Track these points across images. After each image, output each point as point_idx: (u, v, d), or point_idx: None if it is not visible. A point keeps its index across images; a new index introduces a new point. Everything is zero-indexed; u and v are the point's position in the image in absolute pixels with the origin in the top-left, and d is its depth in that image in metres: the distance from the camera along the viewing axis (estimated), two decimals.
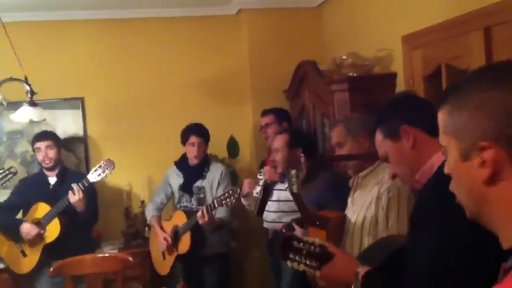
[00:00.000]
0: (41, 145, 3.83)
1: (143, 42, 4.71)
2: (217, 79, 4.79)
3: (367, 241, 2.29)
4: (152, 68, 4.72)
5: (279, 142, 3.31)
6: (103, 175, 3.66)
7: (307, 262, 1.63)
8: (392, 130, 1.68)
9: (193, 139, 3.90)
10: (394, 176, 1.76)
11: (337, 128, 2.61)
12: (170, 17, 4.71)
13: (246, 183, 3.68)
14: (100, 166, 3.67)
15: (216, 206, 3.58)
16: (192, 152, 3.93)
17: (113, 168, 3.68)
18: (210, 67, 4.79)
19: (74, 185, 3.59)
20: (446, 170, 1.01)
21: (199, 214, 3.61)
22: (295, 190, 2.52)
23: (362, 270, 1.58)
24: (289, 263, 1.68)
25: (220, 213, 3.78)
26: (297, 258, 1.63)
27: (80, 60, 4.58)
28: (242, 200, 3.72)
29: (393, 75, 3.47)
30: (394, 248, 1.74)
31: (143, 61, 4.70)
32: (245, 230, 4.67)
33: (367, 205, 2.33)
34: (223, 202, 3.56)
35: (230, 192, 3.56)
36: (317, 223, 2.50)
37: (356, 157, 2.49)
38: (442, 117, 0.98)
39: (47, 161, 3.83)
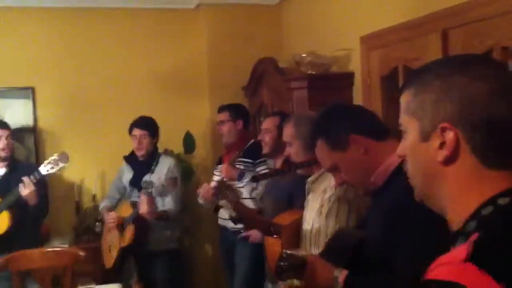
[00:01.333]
0: (1, 133, 3.66)
1: (99, 32, 4.60)
2: (174, 73, 4.74)
3: (314, 250, 2.30)
4: (107, 59, 4.61)
5: (269, 123, 3.23)
6: (56, 168, 3.54)
7: (293, 274, 1.64)
8: (338, 141, 1.69)
9: (135, 131, 3.84)
10: (342, 183, 1.79)
11: (287, 126, 2.57)
12: (128, 7, 4.63)
13: (203, 188, 3.61)
14: (54, 159, 3.55)
15: (153, 195, 3.55)
16: (134, 145, 3.87)
17: (67, 162, 3.57)
18: (168, 60, 4.72)
19: (25, 178, 3.47)
20: (399, 151, 1.04)
21: (139, 203, 3.56)
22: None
23: (339, 273, 1.60)
24: (286, 283, 1.68)
25: (167, 205, 3.73)
26: (287, 274, 1.65)
27: (32, 48, 4.44)
28: (198, 198, 3.68)
29: (351, 75, 3.53)
30: (352, 242, 1.78)
31: (98, 51, 4.59)
32: (197, 227, 4.63)
33: (315, 212, 2.35)
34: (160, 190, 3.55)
35: (57, 157, 3.52)
36: (272, 230, 2.55)
37: (311, 163, 2.47)
38: (405, 98, 1.00)
39: (7, 151, 3.67)
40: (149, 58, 4.70)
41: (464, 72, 0.93)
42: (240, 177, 3.45)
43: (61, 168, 3.58)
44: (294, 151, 2.51)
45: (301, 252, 1.73)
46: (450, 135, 0.91)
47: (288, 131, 2.55)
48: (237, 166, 3.57)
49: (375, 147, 1.66)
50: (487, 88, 0.90)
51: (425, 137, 0.95)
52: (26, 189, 3.45)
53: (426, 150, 0.95)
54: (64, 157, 3.56)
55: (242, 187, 3.44)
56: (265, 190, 3.22)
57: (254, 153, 3.55)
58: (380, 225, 1.60)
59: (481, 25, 2.45)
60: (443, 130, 0.92)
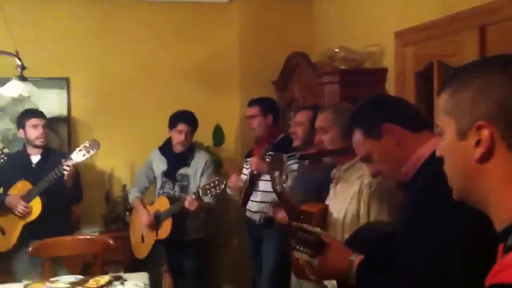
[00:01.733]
0: (39, 122, 3.77)
1: (132, 24, 4.65)
2: (206, 66, 4.76)
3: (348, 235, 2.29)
4: (140, 51, 4.66)
5: (302, 116, 3.22)
6: (87, 155, 3.61)
7: (307, 251, 1.64)
8: (373, 129, 1.70)
9: (181, 126, 3.87)
10: (377, 174, 1.78)
11: (325, 113, 2.56)
12: (161, 0, 4.66)
13: (232, 178, 3.66)
14: (85, 146, 3.62)
15: (201, 195, 3.57)
16: (178, 139, 3.89)
17: (98, 149, 3.63)
18: (199, 53, 4.75)
19: (65, 161, 3.55)
20: (438, 152, 1.05)
21: (187, 201, 3.59)
22: (279, 190, 2.64)
23: (356, 258, 1.59)
24: (294, 253, 1.68)
25: (206, 199, 3.77)
26: (298, 247, 1.64)
27: (67, 39, 4.51)
28: (227, 189, 3.71)
29: (384, 71, 3.49)
30: (378, 233, 1.77)
31: (131, 43, 4.65)
32: (225, 217, 4.66)
33: (349, 199, 2.33)
34: (208, 192, 3.56)
35: (216, 182, 3.55)
36: (301, 217, 2.52)
37: (342, 151, 2.46)
38: (443, 98, 1.02)
39: (43, 139, 3.77)
40: (181, 51, 4.73)
41: (502, 71, 0.94)
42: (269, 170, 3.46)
43: (92, 154, 3.64)
44: (330, 137, 2.48)
45: (315, 229, 1.70)
46: (485, 133, 0.92)
47: (326, 117, 2.52)
48: (267, 159, 3.58)
49: (409, 138, 1.65)
50: None
51: (462, 136, 0.96)
52: (69, 171, 3.53)
53: (463, 149, 0.96)
54: (94, 144, 3.63)
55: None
56: (294, 182, 3.21)
57: (284, 147, 3.55)
58: (403, 219, 1.60)
59: None
60: (479, 128, 0.93)
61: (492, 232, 0.99)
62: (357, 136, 1.76)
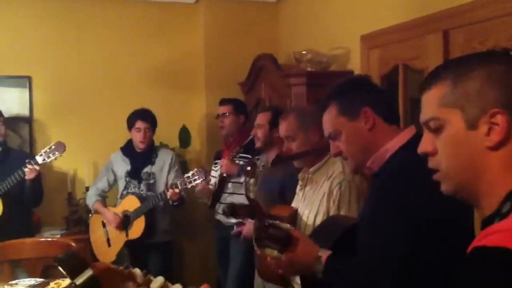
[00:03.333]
0: None
1: (97, 23, 4.57)
2: (171, 67, 4.72)
3: None
4: (104, 50, 4.59)
5: (261, 119, 3.25)
6: (52, 157, 3.54)
7: (276, 247, 1.64)
8: (351, 108, 1.65)
9: (139, 124, 3.83)
10: (338, 154, 1.73)
11: (288, 119, 2.53)
12: (127, 0, 4.60)
13: (199, 186, 3.66)
14: (50, 148, 3.55)
15: (181, 187, 3.57)
16: (138, 137, 3.85)
17: (64, 151, 3.57)
18: (165, 54, 4.71)
19: (28, 161, 3.48)
20: (428, 148, 1.05)
21: (170, 193, 3.59)
22: (252, 197, 2.57)
23: (323, 253, 1.59)
24: (263, 250, 1.68)
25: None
26: (268, 244, 1.64)
27: (30, 38, 4.40)
28: (196, 190, 3.69)
29: (350, 73, 3.52)
30: (342, 227, 1.78)
31: (95, 43, 4.57)
32: (191, 220, 4.62)
33: (319, 200, 2.34)
34: (189, 183, 3.56)
35: (196, 172, 3.55)
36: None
37: (309, 153, 2.47)
38: (439, 92, 1.02)
39: (0, 138, 3.67)
40: (146, 50, 4.68)
41: (499, 61, 0.97)
42: (239, 173, 3.45)
43: (57, 157, 3.56)
44: (298, 144, 2.46)
45: (285, 225, 1.69)
46: (503, 119, 0.93)
47: (290, 124, 2.50)
48: (237, 161, 3.58)
49: (382, 128, 1.63)
50: None
51: (472, 125, 0.96)
52: (31, 172, 3.45)
53: (474, 138, 0.96)
54: (60, 147, 3.56)
55: (242, 182, 3.45)
56: (258, 183, 3.22)
57: (253, 149, 3.55)
58: (365, 211, 1.62)
59: (482, 27, 2.46)
60: (493, 115, 0.94)
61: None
62: (331, 110, 1.69)
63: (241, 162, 3.56)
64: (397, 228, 1.41)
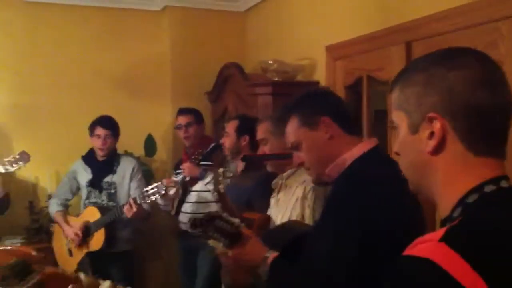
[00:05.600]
0: None
1: (60, 28, 4.49)
2: (137, 75, 4.68)
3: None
4: (69, 56, 4.50)
5: (228, 127, 3.25)
6: (15, 167, 3.47)
7: (222, 239, 1.67)
8: (310, 118, 1.70)
9: (99, 130, 3.78)
10: (300, 164, 1.78)
11: (264, 124, 2.59)
12: (92, 6, 4.55)
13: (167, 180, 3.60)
14: (14, 158, 3.47)
15: (139, 201, 3.48)
16: (97, 144, 3.80)
17: (28, 161, 3.49)
18: (130, 62, 4.67)
19: None
20: (395, 149, 1.08)
21: (126, 207, 3.49)
22: (221, 190, 2.56)
23: (270, 255, 1.62)
24: (210, 241, 1.71)
25: (144, 205, 3.68)
26: (214, 235, 1.67)
27: None
28: (158, 199, 3.64)
29: (316, 83, 3.57)
30: (296, 232, 1.82)
31: (58, 48, 4.48)
32: (153, 229, 4.57)
33: (292, 204, 2.36)
34: (147, 198, 3.46)
35: (156, 188, 3.45)
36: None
37: (279, 157, 2.50)
38: (394, 95, 1.04)
39: None
40: (112, 58, 4.62)
41: (442, 63, 0.97)
42: (202, 176, 3.44)
43: (20, 167, 3.49)
44: (270, 147, 2.50)
45: (237, 221, 1.72)
46: (437, 125, 0.94)
47: (265, 128, 2.55)
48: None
49: (341, 137, 1.68)
50: (465, 77, 0.94)
51: (414, 129, 0.98)
52: None
53: (416, 142, 0.98)
54: (24, 157, 3.48)
55: (205, 184, 3.45)
56: (226, 191, 3.22)
57: (214, 155, 3.55)
58: (319, 217, 1.66)
59: (442, 39, 2.54)
60: (431, 120, 0.95)
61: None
62: (292, 122, 1.75)
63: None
64: (343, 233, 1.44)
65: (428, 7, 2.61)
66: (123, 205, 3.55)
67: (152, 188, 3.45)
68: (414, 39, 2.70)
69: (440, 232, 0.84)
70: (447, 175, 0.95)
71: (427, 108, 0.96)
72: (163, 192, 3.41)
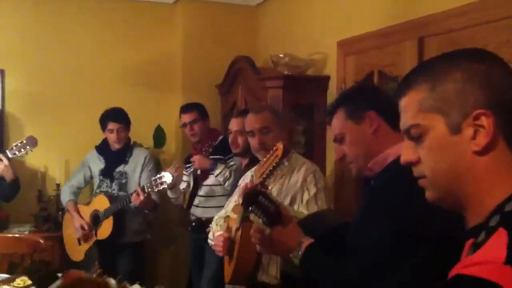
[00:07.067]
0: None
1: (73, 20, 4.51)
2: (148, 67, 4.69)
3: None
4: (80, 48, 4.53)
5: (239, 125, 3.14)
6: (23, 152, 3.49)
7: (263, 218, 1.69)
8: (356, 112, 1.69)
9: (111, 125, 3.77)
10: (342, 158, 1.77)
11: (264, 113, 2.57)
12: None
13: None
14: (21, 142, 3.49)
15: (147, 190, 3.44)
16: (112, 138, 3.80)
17: (35, 146, 3.51)
18: (142, 53, 4.68)
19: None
20: (412, 157, 0.99)
21: (134, 195, 3.47)
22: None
23: (306, 240, 1.64)
24: (250, 215, 1.74)
25: (152, 195, 3.67)
26: (257, 212, 1.70)
27: (4, 32, 4.32)
28: (169, 192, 3.63)
29: (326, 78, 3.56)
30: (329, 223, 1.85)
31: (70, 39, 4.51)
32: (162, 221, 4.58)
33: (293, 190, 2.40)
34: (155, 187, 3.40)
35: (163, 177, 3.40)
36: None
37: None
38: (417, 96, 0.96)
39: None
40: (124, 50, 4.64)
41: (474, 59, 0.92)
42: (212, 167, 3.43)
43: (28, 152, 3.51)
44: (273, 136, 2.50)
45: (278, 201, 1.74)
46: (488, 121, 0.88)
47: (267, 117, 2.55)
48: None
49: (386, 133, 1.66)
50: (501, 71, 0.91)
51: (456, 129, 0.91)
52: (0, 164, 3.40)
53: (458, 143, 0.91)
54: (32, 141, 3.51)
55: (215, 176, 3.44)
56: (235, 182, 3.21)
57: (224, 149, 3.54)
58: (359, 212, 1.65)
59: (455, 35, 2.51)
60: (477, 117, 0.89)
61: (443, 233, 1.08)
62: (339, 115, 1.74)
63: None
64: (383, 235, 1.44)
65: (442, 3, 2.60)
66: (131, 194, 3.54)
67: (160, 177, 3.41)
68: (427, 35, 2.67)
69: (501, 252, 0.78)
70: (487, 179, 0.90)
71: (470, 104, 0.89)
72: (171, 180, 3.36)
